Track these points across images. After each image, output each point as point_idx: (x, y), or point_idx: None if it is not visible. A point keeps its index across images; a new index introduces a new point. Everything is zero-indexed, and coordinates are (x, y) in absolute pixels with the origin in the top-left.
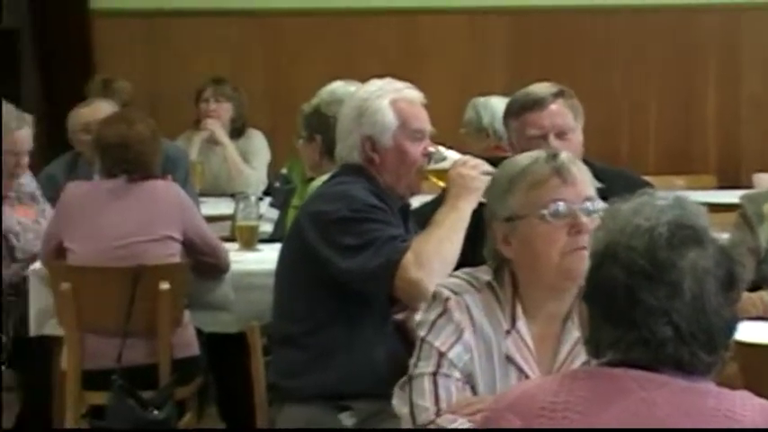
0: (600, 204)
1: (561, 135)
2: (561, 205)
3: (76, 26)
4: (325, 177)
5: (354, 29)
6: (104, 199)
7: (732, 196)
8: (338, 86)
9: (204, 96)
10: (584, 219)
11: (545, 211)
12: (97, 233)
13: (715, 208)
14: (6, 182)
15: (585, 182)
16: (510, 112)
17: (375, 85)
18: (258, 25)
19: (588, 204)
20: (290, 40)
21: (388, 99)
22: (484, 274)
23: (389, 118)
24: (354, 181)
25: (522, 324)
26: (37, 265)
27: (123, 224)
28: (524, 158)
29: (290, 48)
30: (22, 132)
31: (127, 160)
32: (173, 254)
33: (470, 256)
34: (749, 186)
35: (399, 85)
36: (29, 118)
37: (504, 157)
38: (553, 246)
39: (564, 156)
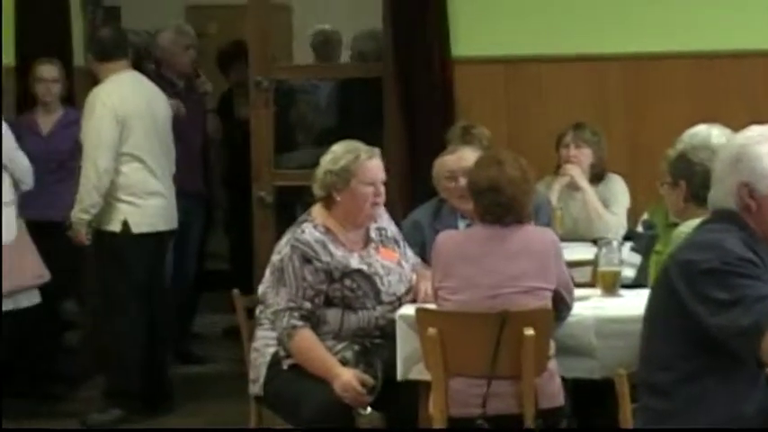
0: None
1: None
2: None
3: (439, 73)
4: (690, 223)
5: (718, 71)
6: (478, 248)
7: None
8: (702, 130)
9: (564, 142)
10: None
11: None
12: (470, 283)
13: None
14: (369, 211)
15: None
16: None
17: (755, 130)
18: (618, 69)
19: None
20: (651, 84)
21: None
22: None
23: None
24: (727, 229)
25: None
26: (404, 309)
27: (496, 274)
28: None
29: (650, 91)
30: (373, 162)
31: (499, 204)
32: (544, 305)
33: None
34: None
35: None
36: (376, 150)
37: None
38: None
39: None
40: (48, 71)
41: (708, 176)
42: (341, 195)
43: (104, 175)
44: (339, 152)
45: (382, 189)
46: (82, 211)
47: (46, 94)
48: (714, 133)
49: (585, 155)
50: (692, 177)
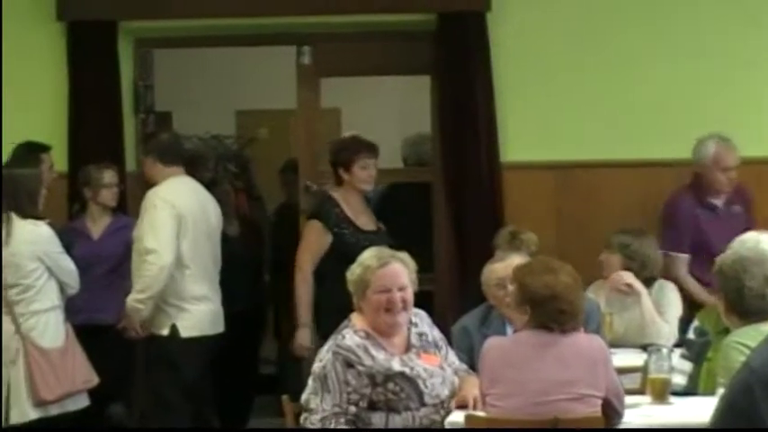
0: None
1: None
2: None
3: (488, 179)
4: (741, 332)
5: None
6: (526, 354)
7: None
8: (751, 239)
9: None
10: None
11: None
12: (518, 389)
13: None
14: (387, 319)
15: None
16: None
17: None
18: (670, 174)
19: None
20: None
21: None
22: None
23: None
24: None
25: None
26: (453, 416)
27: (545, 381)
28: None
29: None
30: (387, 269)
31: (562, 311)
32: (594, 411)
33: None
34: None
35: None
36: (402, 254)
37: None
38: None
39: None
40: (112, 177)
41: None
42: (362, 304)
43: (166, 268)
44: (357, 262)
45: (397, 296)
46: (138, 302)
47: (112, 199)
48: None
49: (613, 261)
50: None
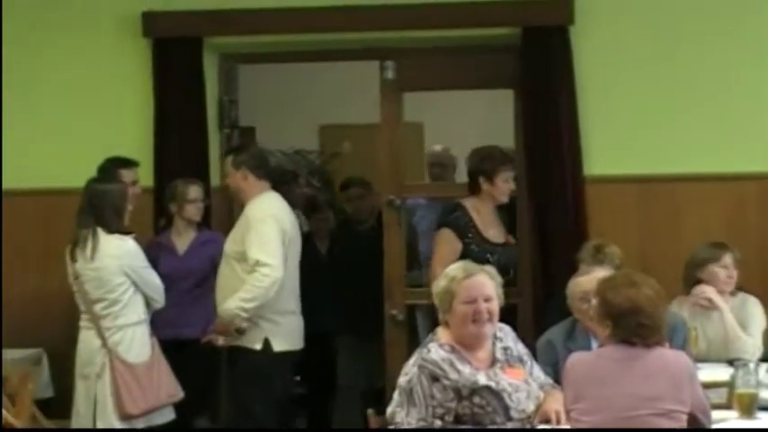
0: None
1: None
2: None
3: (572, 192)
4: None
5: None
6: (611, 369)
7: None
8: None
9: (723, 262)
10: None
11: None
12: (603, 405)
13: None
14: (473, 330)
15: None
16: None
17: None
18: (754, 188)
19: None
20: None
21: None
22: None
23: None
24: None
25: None
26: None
27: (631, 396)
28: None
29: None
30: (472, 280)
31: (644, 325)
32: (680, 427)
33: None
34: None
35: None
36: (488, 268)
37: None
38: None
39: None
40: (197, 192)
41: None
42: (448, 316)
43: (278, 282)
44: (442, 275)
45: (483, 306)
46: (243, 309)
47: (197, 214)
48: None
49: (735, 273)
50: None
